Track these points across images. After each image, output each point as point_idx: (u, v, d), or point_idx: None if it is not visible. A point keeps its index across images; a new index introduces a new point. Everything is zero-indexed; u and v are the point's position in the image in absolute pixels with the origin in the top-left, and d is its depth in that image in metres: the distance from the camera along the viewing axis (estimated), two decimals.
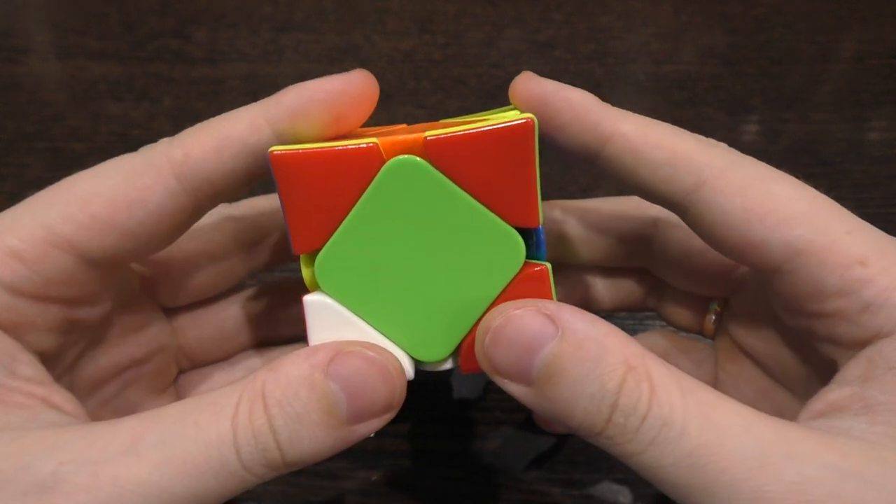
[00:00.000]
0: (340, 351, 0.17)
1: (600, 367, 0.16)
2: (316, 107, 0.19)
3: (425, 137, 0.17)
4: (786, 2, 0.52)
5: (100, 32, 0.47)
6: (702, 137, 0.20)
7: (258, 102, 0.19)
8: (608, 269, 0.26)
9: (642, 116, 0.20)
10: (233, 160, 0.18)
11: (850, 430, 0.16)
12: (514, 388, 0.17)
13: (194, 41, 0.47)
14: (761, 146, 0.41)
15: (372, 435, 0.17)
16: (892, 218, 0.36)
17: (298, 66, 0.45)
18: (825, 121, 0.42)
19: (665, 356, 0.24)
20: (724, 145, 0.20)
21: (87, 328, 0.21)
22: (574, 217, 0.24)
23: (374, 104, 0.20)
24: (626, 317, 0.30)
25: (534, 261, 0.19)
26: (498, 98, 0.43)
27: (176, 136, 0.19)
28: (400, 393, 0.18)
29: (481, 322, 0.18)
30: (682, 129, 0.20)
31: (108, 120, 0.40)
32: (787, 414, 0.21)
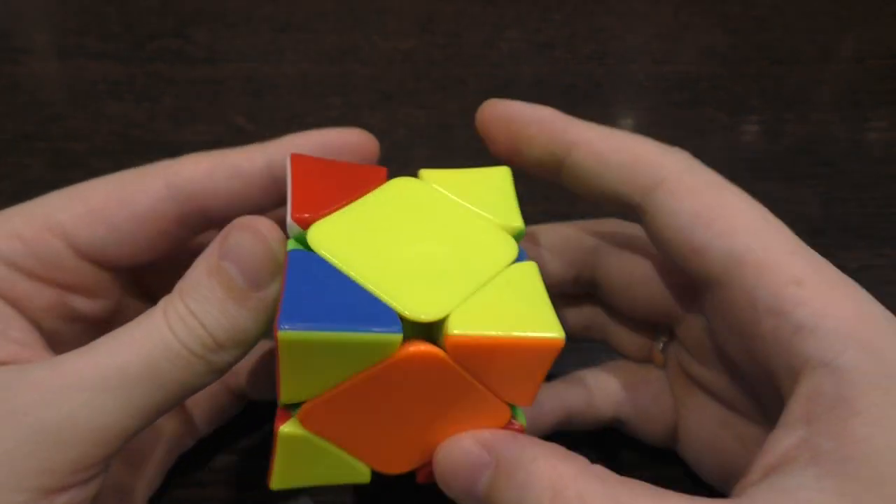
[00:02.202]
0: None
1: (525, 497, 0.16)
2: (308, 149, 0.21)
3: (447, 336, 0.16)
4: (786, 2, 0.52)
5: (100, 32, 0.47)
6: (662, 144, 0.20)
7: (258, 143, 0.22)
8: (556, 296, 0.26)
9: (605, 126, 0.21)
10: (223, 181, 0.21)
11: (798, 489, 0.15)
12: None
13: (194, 41, 0.47)
14: (761, 146, 0.41)
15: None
16: (892, 218, 0.36)
17: (298, 67, 0.45)
18: (825, 121, 0.42)
19: (623, 390, 0.24)
20: (685, 152, 0.20)
21: (91, 322, 0.22)
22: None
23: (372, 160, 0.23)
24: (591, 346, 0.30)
25: (514, 420, 0.19)
26: (498, 97, 0.43)
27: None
28: (278, 249, 0.18)
29: (435, 454, 0.18)
30: (643, 136, 0.21)
31: (108, 120, 0.40)
32: (748, 443, 0.21)
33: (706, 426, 0.23)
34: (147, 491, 0.23)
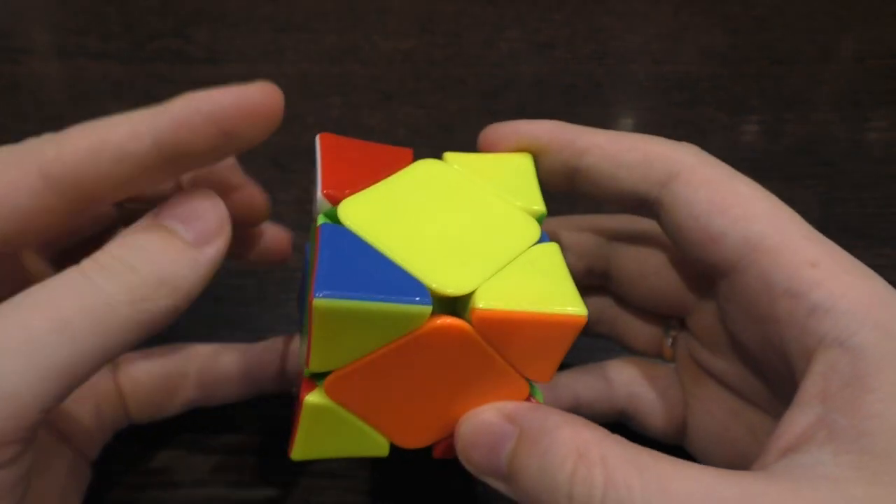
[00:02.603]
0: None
1: (550, 461, 0.16)
2: (201, 119, 0.18)
3: (474, 309, 0.17)
4: (786, 2, 0.52)
5: (100, 32, 0.47)
6: (673, 141, 0.21)
7: (147, 109, 0.18)
8: None
9: (612, 130, 0.21)
10: (108, 166, 0.18)
11: (816, 465, 0.16)
12: (496, 484, 0.18)
13: (194, 41, 0.47)
14: (761, 146, 0.41)
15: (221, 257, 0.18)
16: (892, 218, 0.36)
17: (298, 67, 0.45)
18: (825, 121, 0.42)
19: (631, 384, 0.25)
20: (695, 147, 0.21)
21: None
22: None
23: (276, 122, 0.19)
24: (595, 343, 0.30)
25: (533, 397, 0.19)
26: (498, 97, 0.43)
27: (60, 132, 0.18)
28: (224, 212, 0.18)
29: (457, 427, 0.19)
30: (652, 136, 0.21)
31: None
32: (760, 434, 0.21)
33: (717, 417, 0.23)
34: (85, 461, 0.23)
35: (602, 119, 0.42)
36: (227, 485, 0.26)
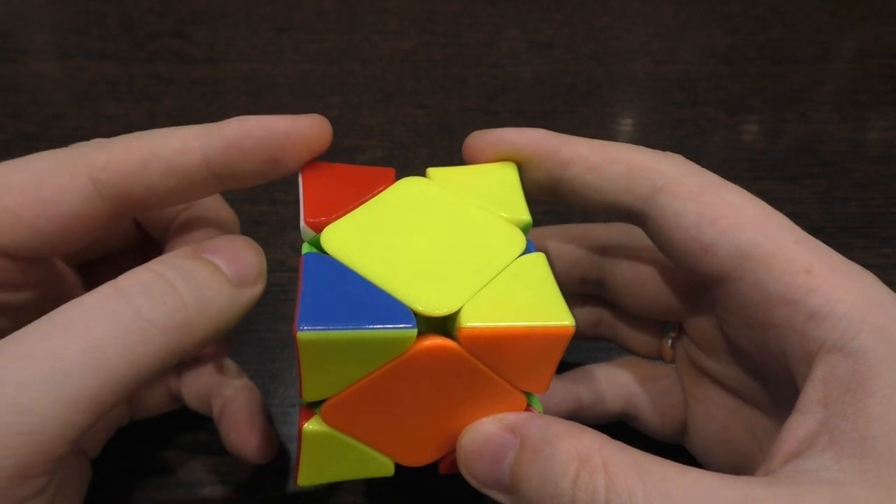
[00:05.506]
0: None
1: (553, 468, 0.16)
2: (251, 143, 0.18)
3: (461, 328, 0.17)
4: (786, 2, 0.52)
5: (100, 32, 0.47)
6: (657, 151, 0.21)
7: (199, 126, 0.18)
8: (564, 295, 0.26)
9: (597, 140, 0.21)
10: (156, 177, 0.18)
11: (819, 470, 0.16)
12: (499, 496, 0.18)
13: (194, 41, 0.47)
14: (761, 146, 0.41)
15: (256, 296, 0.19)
16: (892, 218, 0.36)
17: (298, 66, 0.45)
18: (825, 121, 0.42)
19: (632, 384, 0.25)
20: (679, 156, 0.20)
21: (15, 311, 0.20)
22: None
23: (323, 149, 0.20)
24: (595, 344, 0.30)
25: (531, 407, 0.19)
26: (498, 97, 0.43)
27: (109, 139, 0.19)
28: (264, 262, 0.19)
29: (458, 439, 0.19)
30: (636, 145, 0.21)
31: (108, 120, 0.40)
32: (759, 433, 0.21)
33: (716, 417, 0.23)
34: (87, 460, 0.23)
35: (602, 119, 0.42)
36: (227, 485, 0.26)
